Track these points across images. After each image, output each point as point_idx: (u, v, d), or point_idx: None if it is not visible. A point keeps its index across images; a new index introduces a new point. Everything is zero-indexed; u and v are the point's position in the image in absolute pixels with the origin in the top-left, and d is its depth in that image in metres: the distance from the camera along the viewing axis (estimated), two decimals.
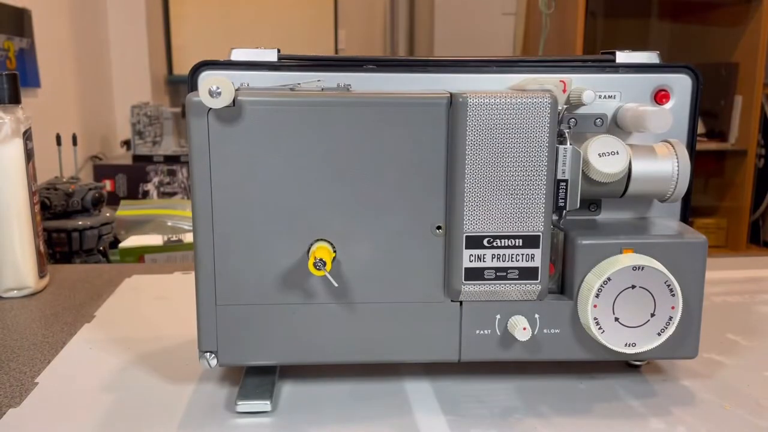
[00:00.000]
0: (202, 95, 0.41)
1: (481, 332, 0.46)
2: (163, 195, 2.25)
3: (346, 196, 0.43)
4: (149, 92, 2.87)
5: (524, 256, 0.44)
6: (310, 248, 0.44)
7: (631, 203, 0.49)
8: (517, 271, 0.44)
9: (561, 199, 0.44)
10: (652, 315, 0.44)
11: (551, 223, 0.44)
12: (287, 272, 0.44)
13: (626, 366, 0.51)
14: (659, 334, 0.44)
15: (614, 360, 0.51)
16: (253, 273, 0.44)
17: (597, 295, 0.43)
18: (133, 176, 2.26)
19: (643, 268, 0.43)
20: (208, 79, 0.40)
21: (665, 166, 0.45)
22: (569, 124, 0.47)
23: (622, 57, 0.49)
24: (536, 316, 0.45)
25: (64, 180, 1.33)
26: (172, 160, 2.27)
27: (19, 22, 2.06)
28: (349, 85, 0.46)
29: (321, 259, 0.42)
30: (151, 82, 2.90)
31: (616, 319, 0.44)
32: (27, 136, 0.69)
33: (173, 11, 3.00)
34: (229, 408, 0.45)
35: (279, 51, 0.47)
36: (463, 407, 0.46)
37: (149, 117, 2.38)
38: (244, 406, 0.45)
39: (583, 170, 0.44)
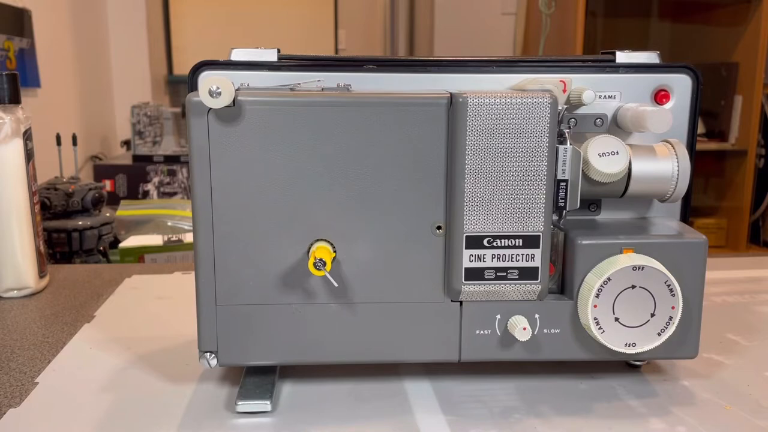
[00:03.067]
0: (202, 95, 0.41)
1: (481, 332, 0.46)
2: (163, 195, 2.25)
3: (346, 196, 0.43)
4: (149, 92, 2.88)
5: (524, 256, 0.44)
6: (310, 248, 0.44)
7: (631, 203, 0.49)
8: (517, 271, 0.44)
9: (561, 199, 0.44)
10: (652, 315, 0.44)
11: (551, 223, 0.44)
12: (287, 272, 0.44)
13: (626, 366, 0.51)
14: (659, 334, 0.44)
15: (614, 360, 0.51)
16: (253, 273, 0.44)
17: (597, 295, 0.43)
18: (133, 176, 2.27)
19: (643, 268, 0.43)
20: (208, 79, 0.40)
21: (665, 166, 0.45)
22: (569, 124, 0.47)
23: (622, 57, 0.49)
24: (536, 316, 0.45)
25: (64, 180, 1.33)
26: (172, 160, 2.27)
27: (19, 22, 2.06)
28: (349, 85, 0.46)
29: (321, 259, 0.42)
30: (151, 82, 2.90)
31: (616, 319, 0.44)
32: (27, 136, 0.69)
33: (173, 11, 3.00)
34: (229, 408, 0.45)
35: (279, 51, 0.47)
36: (463, 407, 0.46)
37: (149, 117, 2.38)
38: (244, 406, 0.45)
39: (583, 170, 0.44)
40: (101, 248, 1.31)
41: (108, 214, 1.34)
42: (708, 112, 2.46)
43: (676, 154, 0.45)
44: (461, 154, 0.42)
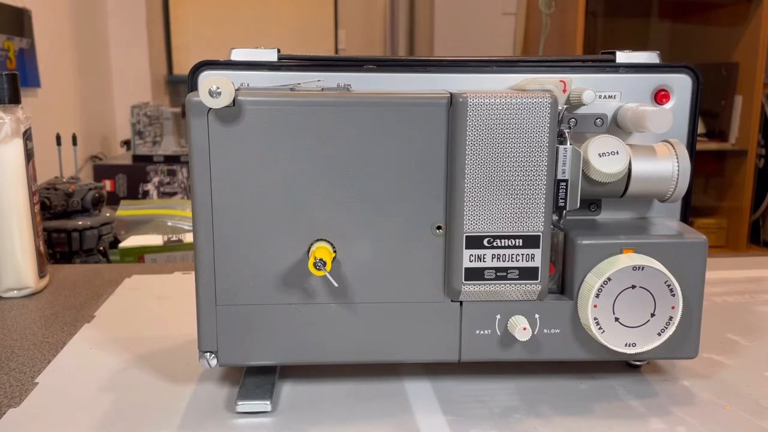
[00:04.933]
0: (202, 95, 0.41)
1: (481, 332, 0.46)
2: (163, 195, 2.25)
3: (346, 196, 0.43)
4: (149, 92, 2.88)
5: (524, 256, 0.44)
6: (310, 248, 0.44)
7: (631, 203, 0.49)
8: (517, 271, 0.44)
9: (561, 199, 0.44)
10: (652, 315, 0.44)
11: (551, 223, 0.44)
12: (287, 272, 0.44)
13: (626, 366, 0.51)
14: (659, 334, 0.44)
15: (614, 360, 0.50)
16: (253, 273, 0.44)
17: (597, 295, 0.43)
18: (133, 176, 2.27)
19: (643, 268, 0.43)
20: (208, 79, 0.40)
21: (665, 166, 0.45)
22: (569, 124, 0.47)
23: (622, 57, 0.49)
24: (536, 316, 0.45)
25: (64, 180, 1.33)
26: (172, 160, 2.27)
27: (19, 22, 2.06)
28: (349, 85, 0.46)
29: (321, 259, 0.42)
30: (151, 82, 2.90)
31: (616, 319, 0.44)
32: (27, 136, 0.69)
33: (173, 11, 3.00)
34: (229, 408, 0.45)
35: (279, 51, 0.47)
36: (463, 407, 0.46)
37: (149, 117, 2.38)
38: (244, 406, 0.45)
39: (583, 170, 0.44)
40: (101, 248, 1.31)
41: (108, 214, 1.34)
42: (708, 112, 2.46)
43: (676, 154, 0.45)
44: (461, 154, 0.42)
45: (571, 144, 0.43)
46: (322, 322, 0.45)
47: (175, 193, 2.27)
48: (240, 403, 0.45)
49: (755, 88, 2.30)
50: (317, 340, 0.45)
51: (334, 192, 0.43)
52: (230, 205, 0.43)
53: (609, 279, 0.43)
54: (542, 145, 0.42)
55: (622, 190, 0.46)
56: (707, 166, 2.49)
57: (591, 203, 0.49)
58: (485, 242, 0.44)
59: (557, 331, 0.46)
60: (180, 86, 3.08)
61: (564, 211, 0.45)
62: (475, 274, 0.44)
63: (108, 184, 2.23)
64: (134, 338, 0.58)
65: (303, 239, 0.44)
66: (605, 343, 0.44)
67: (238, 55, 0.47)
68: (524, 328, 0.44)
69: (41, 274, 0.71)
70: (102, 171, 2.29)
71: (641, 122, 0.45)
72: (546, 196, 0.43)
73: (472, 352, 0.46)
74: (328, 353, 0.45)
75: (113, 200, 1.80)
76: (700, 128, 2.28)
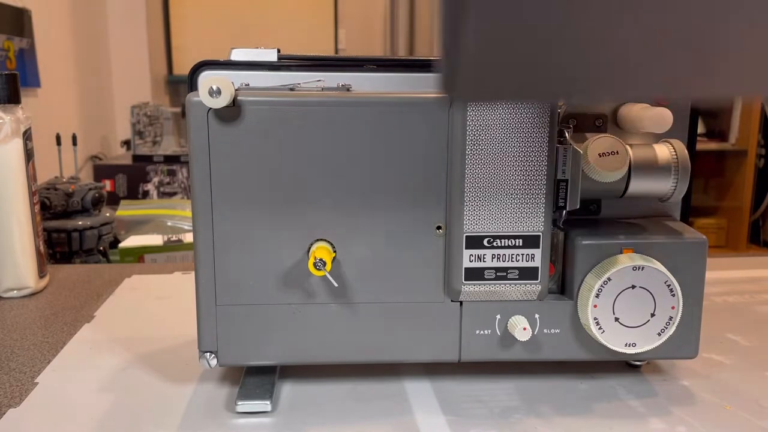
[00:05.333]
0: (202, 95, 0.41)
1: (481, 332, 0.46)
2: (163, 195, 2.25)
3: (346, 196, 0.43)
4: (149, 92, 2.88)
5: (524, 256, 0.44)
6: (310, 248, 0.44)
7: (631, 203, 0.49)
8: (517, 271, 0.44)
9: (561, 199, 0.44)
10: (652, 315, 0.44)
11: (551, 223, 0.44)
12: (287, 272, 0.44)
13: (626, 366, 0.51)
14: (659, 334, 0.44)
15: (614, 360, 0.50)
16: (253, 273, 0.44)
17: (597, 295, 0.43)
18: (133, 176, 2.27)
19: (643, 268, 0.43)
20: (208, 79, 0.40)
21: (665, 166, 0.45)
22: (569, 124, 0.47)
23: None
24: (536, 316, 0.45)
25: (64, 180, 1.33)
26: (172, 160, 2.28)
27: (19, 22, 2.06)
28: (349, 85, 0.46)
29: (321, 259, 0.42)
30: (151, 82, 2.90)
31: (616, 319, 0.44)
32: (27, 136, 0.69)
33: (173, 11, 3.01)
34: (229, 408, 0.45)
35: (279, 51, 0.47)
36: (463, 407, 0.46)
37: (149, 117, 2.38)
38: (244, 406, 0.45)
39: (583, 170, 0.44)
40: (101, 248, 1.31)
41: (108, 214, 1.34)
42: (708, 112, 2.46)
43: (676, 154, 0.45)
44: (461, 154, 0.42)
45: (571, 144, 0.43)
46: (322, 322, 0.45)
47: (175, 193, 2.27)
48: (240, 403, 0.45)
49: None
50: (317, 340, 0.45)
51: (334, 192, 0.43)
52: (230, 205, 0.43)
53: (609, 279, 0.43)
54: (542, 145, 0.42)
55: (622, 190, 0.46)
56: (707, 166, 2.49)
57: (591, 203, 0.49)
58: (485, 242, 0.44)
59: (557, 331, 0.46)
60: (180, 86, 3.08)
61: (564, 211, 0.45)
62: (475, 274, 0.44)
63: (108, 184, 2.23)
64: (134, 338, 0.58)
65: (303, 239, 0.44)
66: (605, 343, 0.44)
67: (238, 55, 0.47)
68: (524, 328, 0.44)
69: (41, 274, 0.71)
70: (102, 171, 2.29)
71: (641, 122, 0.45)
72: (546, 196, 0.43)
73: (472, 352, 0.46)
74: (328, 353, 0.45)
75: (113, 200, 1.80)
76: (700, 128, 2.28)
